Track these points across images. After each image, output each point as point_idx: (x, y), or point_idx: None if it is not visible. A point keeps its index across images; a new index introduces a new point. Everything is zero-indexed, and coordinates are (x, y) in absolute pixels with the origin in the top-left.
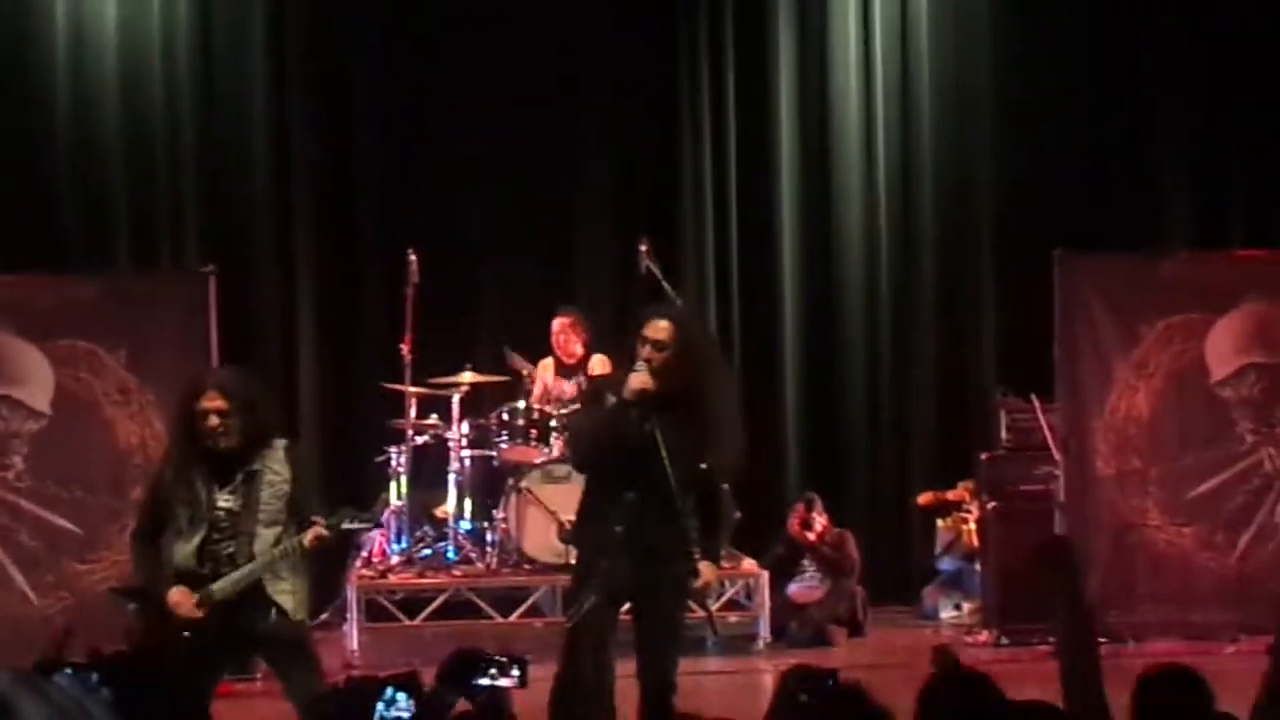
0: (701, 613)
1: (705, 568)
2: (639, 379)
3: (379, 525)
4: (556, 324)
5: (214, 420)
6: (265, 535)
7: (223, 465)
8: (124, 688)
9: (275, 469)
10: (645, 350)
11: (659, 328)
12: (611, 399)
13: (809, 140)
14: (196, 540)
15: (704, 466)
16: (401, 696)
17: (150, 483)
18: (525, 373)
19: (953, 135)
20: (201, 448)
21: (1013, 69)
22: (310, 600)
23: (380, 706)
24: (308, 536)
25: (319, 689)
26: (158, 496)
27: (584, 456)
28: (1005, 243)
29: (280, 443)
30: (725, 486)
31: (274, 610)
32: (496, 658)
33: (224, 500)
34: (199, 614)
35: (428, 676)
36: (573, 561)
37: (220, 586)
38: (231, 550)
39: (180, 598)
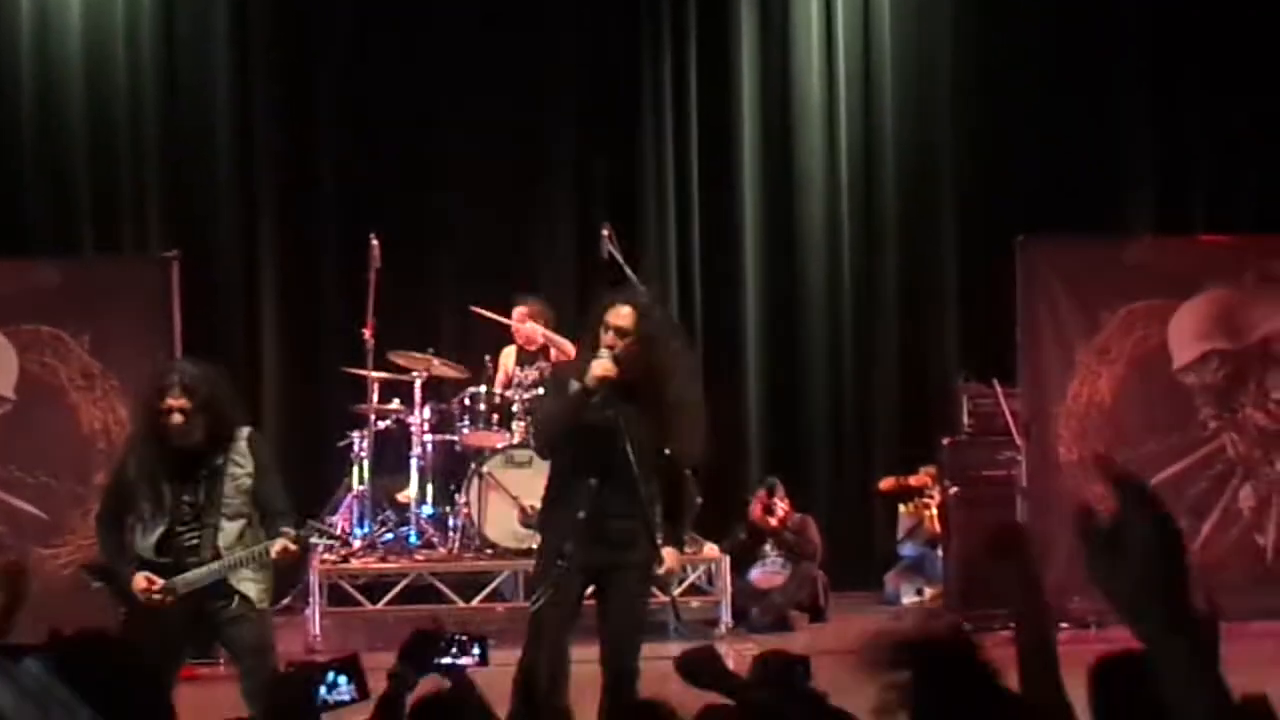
0: (664, 598)
1: (669, 554)
2: (601, 366)
3: (345, 543)
4: (517, 312)
5: (178, 418)
6: (229, 529)
7: (186, 461)
8: (86, 669)
9: (238, 461)
10: (608, 337)
11: (621, 314)
12: (575, 385)
13: (771, 125)
14: (158, 533)
15: (667, 453)
16: (342, 680)
17: (113, 470)
18: (500, 323)
19: (915, 121)
20: (165, 444)
21: (976, 53)
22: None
23: (321, 690)
24: (275, 547)
25: (268, 677)
26: (121, 484)
27: (548, 443)
28: (968, 227)
29: (243, 432)
30: (689, 472)
31: (238, 598)
32: (457, 636)
33: (187, 495)
34: (163, 600)
35: (389, 660)
36: (535, 547)
37: (184, 579)
38: (195, 542)
39: (144, 583)
